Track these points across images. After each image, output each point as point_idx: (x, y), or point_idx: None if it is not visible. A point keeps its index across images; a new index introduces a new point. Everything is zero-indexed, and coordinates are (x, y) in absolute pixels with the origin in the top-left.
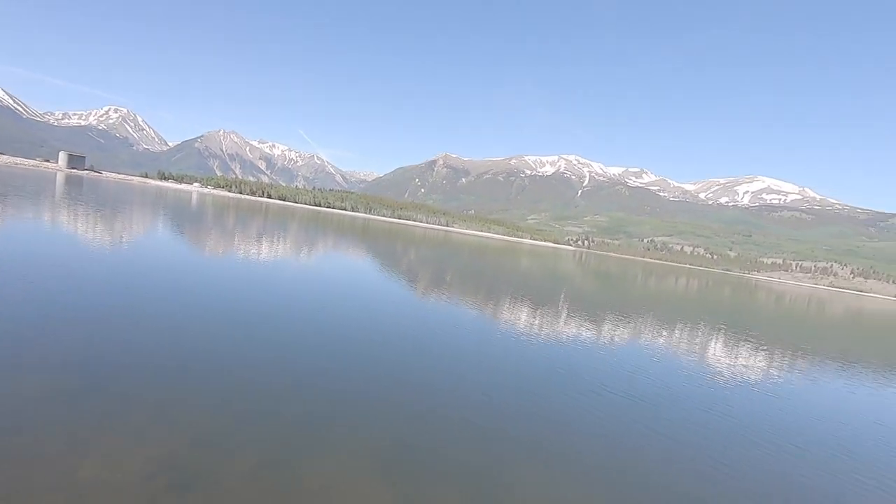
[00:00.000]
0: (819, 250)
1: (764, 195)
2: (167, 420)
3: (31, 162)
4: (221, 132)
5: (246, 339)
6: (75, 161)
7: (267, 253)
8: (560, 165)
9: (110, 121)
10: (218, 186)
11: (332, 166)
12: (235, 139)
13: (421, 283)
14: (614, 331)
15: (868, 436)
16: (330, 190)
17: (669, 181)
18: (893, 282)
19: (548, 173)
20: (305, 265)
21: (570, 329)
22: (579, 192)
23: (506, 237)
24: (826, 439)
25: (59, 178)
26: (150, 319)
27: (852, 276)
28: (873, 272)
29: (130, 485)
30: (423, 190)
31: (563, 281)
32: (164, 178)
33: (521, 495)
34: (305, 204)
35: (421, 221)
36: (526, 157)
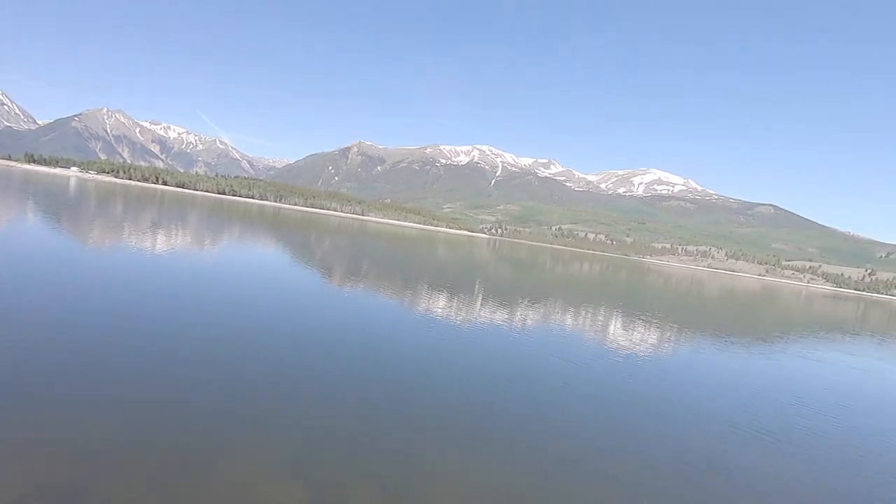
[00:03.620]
0: (700, 236)
1: (655, 186)
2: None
3: None
4: (105, 110)
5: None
6: None
7: (175, 245)
8: (474, 155)
9: None
10: (102, 171)
11: (238, 151)
12: (122, 119)
13: (337, 275)
14: (525, 314)
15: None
16: (235, 177)
17: (575, 172)
18: (758, 262)
19: (462, 163)
20: (212, 258)
21: (483, 314)
22: (492, 181)
23: (422, 226)
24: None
25: None
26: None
27: (726, 258)
28: (742, 254)
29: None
30: (337, 178)
31: (477, 268)
32: (32, 160)
33: (448, 478)
34: (207, 192)
35: (336, 210)
36: (441, 147)
